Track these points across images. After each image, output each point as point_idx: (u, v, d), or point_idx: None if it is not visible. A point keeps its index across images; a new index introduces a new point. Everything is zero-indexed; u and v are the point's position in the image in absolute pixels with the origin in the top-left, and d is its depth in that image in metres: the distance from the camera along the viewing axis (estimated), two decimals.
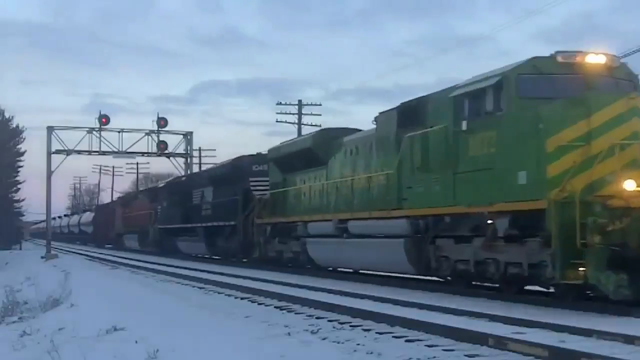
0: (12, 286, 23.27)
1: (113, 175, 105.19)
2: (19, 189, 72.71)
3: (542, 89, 13.89)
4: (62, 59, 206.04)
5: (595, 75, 13.97)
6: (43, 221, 73.28)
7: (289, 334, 10.81)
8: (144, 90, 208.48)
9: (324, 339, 10.36)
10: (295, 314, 13.56)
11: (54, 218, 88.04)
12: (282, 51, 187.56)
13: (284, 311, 14.02)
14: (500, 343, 9.16)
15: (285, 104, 52.56)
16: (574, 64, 14.00)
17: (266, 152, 28.81)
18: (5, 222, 67.16)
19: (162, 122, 49.61)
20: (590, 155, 12.68)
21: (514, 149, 13.61)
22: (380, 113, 19.35)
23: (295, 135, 45.83)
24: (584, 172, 12.63)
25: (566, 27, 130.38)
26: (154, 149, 50.25)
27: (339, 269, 23.03)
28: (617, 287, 11.79)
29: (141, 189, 74.02)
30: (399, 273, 18.77)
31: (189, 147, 51.46)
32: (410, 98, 18.10)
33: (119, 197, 74.26)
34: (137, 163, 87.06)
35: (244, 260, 30.55)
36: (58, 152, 49.61)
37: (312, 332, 10.95)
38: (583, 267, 12.09)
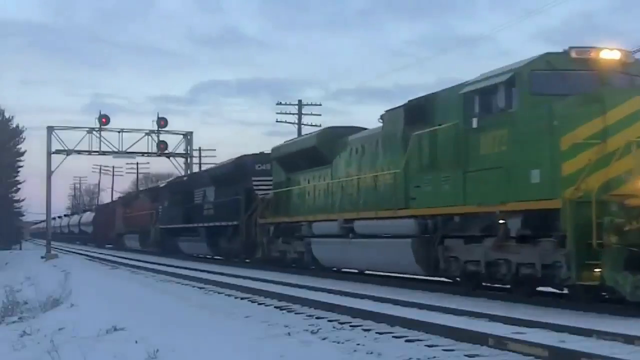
0: (12, 286, 23.12)
1: (113, 175, 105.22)
2: (19, 189, 72.54)
3: (555, 86, 13.55)
4: (62, 59, 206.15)
5: (609, 71, 13.64)
6: (43, 221, 73.14)
7: (289, 334, 10.77)
8: (144, 90, 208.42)
9: (324, 339, 10.32)
10: (295, 314, 13.51)
11: (54, 218, 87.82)
12: (282, 51, 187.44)
13: (284, 311, 13.96)
14: (500, 343, 9.11)
15: (285, 104, 52.69)
16: (588, 59, 13.66)
17: (269, 152, 28.50)
18: (5, 222, 66.93)
19: (162, 122, 49.53)
20: (606, 153, 12.36)
21: (527, 146, 13.28)
22: (387, 111, 19.02)
23: (295, 135, 45.79)
24: (600, 170, 12.32)
25: (566, 27, 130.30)
26: (154, 149, 50.17)
27: (343, 269, 22.69)
28: (634, 288, 11.51)
29: (141, 189, 73.75)
30: (406, 274, 18.44)
31: (189, 147, 51.39)
32: (412, 97, 17.84)
33: (119, 197, 74.01)
34: (137, 163, 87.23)
35: (247, 260, 30.23)
36: (58, 152, 49.58)
37: (312, 332, 10.90)
38: (599, 268, 11.80)
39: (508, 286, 14.84)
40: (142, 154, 51.48)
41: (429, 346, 9.37)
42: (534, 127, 13.19)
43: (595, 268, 11.83)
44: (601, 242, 11.66)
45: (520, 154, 13.43)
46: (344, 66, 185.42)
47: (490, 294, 15.00)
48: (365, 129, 22.02)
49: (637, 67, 14.12)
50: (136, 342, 10.37)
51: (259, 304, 15.49)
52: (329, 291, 16.94)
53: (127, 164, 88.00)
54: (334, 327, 11.40)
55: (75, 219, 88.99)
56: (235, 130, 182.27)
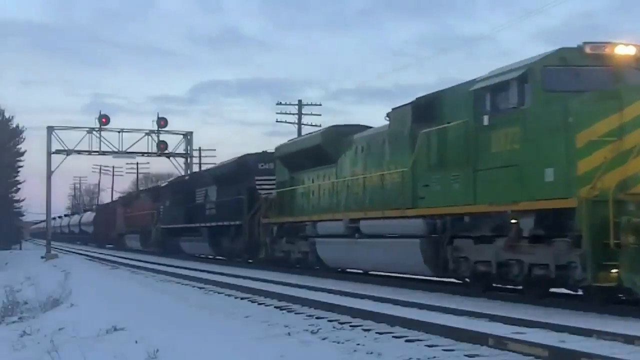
0: (12, 286, 23.10)
1: (113, 175, 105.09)
2: (19, 189, 72.44)
3: (569, 82, 13.22)
4: (62, 59, 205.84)
5: (625, 67, 13.30)
6: (43, 221, 73.08)
7: (289, 334, 10.73)
8: (144, 90, 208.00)
9: (324, 339, 10.29)
10: (295, 314, 13.46)
11: (54, 218, 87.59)
12: (282, 51, 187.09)
13: (284, 311, 13.91)
14: (500, 343, 9.07)
15: (285, 104, 52.77)
16: (602, 55, 13.32)
17: (272, 150, 28.20)
18: (5, 222, 66.81)
19: (162, 122, 49.46)
20: (623, 151, 12.06)
21: (541, 144, 12.95)
22: (394, 109, 18.69)
23: (295, 135, 45.80)
24: (616, 168, 12.02)
25: (566, 27, 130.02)
26: (154, 149, 50.06)
27: (348, 270, 22.35)
28: None
29: (141, 189, 73.49)
30: (414, 274, 18.10)
31: (189, 147, 51.29)
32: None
33: (120, 197, 73.76)
34: (137, 163, 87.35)
35: (250, 260, 29.90)
36: (58, 152, 49.50)
37: (312, 332, 10.85)
38: (616, 268, 11.47)
39: (520, 287, 14.52)
40: (142, 154, 51.41)
41: (429, 346, 9.33)
42: (548, 124, 12.85)
43: (612, 269, 11.52)
44: (618, 242, 11.35)
45: (533, 152, 13.10)
46: (344, 66, 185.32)
47: (491, 294, 14.87)
48: (370, 127, 21.70)
49: None
50: (136, 342, 10.34)
51: (259, 304, 15.42)
52: (329, 291, 16.85)
53: (127, 164, 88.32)
54: (334, 327, 11.35)
55: (75, 218, 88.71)
56: (235, 130, 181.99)
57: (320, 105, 54.05)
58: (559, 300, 13.28)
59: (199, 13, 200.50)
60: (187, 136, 51.32)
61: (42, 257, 47.59)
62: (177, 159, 51.30)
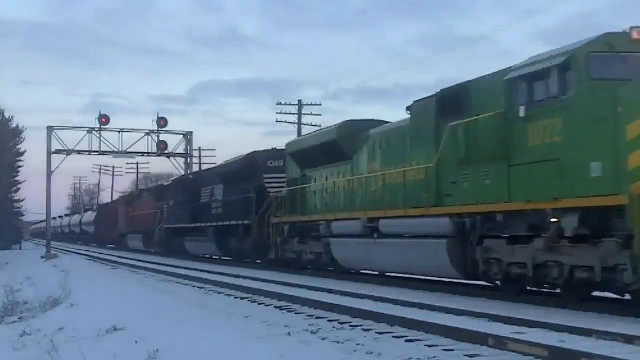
0: (12, 286, 23.12)
1: (113, 175, 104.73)
2: (19, 189, 72.55)
3: (616, 70, 12.24)
4: (62, 59, 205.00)
5: None
6: (43, 221, 72.76)
7: (289, 334, 10.71)
8: (144, 90, 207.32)
9: (324, 339, 10.28)
10: (295, 314, 13.47)
11: (54, 218, 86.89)
12: (282, 51, 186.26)
13: (284, 311, 13.93)
14: (500, 343, 9.04)
15: (285, 104, 52.81)
16: None
17: (281, 147, 27.23)
18: (5, 222, 66.55)
19: (162, 122, 49.64)
20: None
21: (586, 137, 11.95)
22: (415, 102, 17.69)
23: (295, 136, 45.78)
24: None
25: (566, 27, 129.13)
26: (154, 149, 49.96)
27: (365, 271, 21.36)
28: None
29: (141, 188, 72.71)
30: (439, 277, 17.09)
31: (189, 147, 51.29)
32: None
33: (122, 196, 72.91)
34: (137, 163, 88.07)
35: (258, 261, 28.89)
36: (58, 152, 49.47)
37: (312, 332, 10.83)
38: None
39: (557, 291, 13.51)
40: (142, 154, 51.33)
41: (429, 346, 9.33)
42: (595, 114, 11.84)
43: None
44: None
45: (577, 145, 12.10)
46: (343, 66, 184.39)
47: (489, 294, 14.66)
48: (387, 122, 20.72)
49: None
50: (136, 342, 10.34)
51: (259, 304, 15.41)
52: (329, 291, 16.74)
53: (127, 164, 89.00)
54: (334, 327, 11.34)
55: (76, 218, 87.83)
56: (235, 130, 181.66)
57: (320, 105, 54.53)
58: (560, 301, 12.95)
59: (198, 13, 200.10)
60: (187, 136, 51.27)
61: (42, 257, 47.55)
62: (177, 159, 51.20)
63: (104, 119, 48.39)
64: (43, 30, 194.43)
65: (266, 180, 28.08)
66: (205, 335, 10.69)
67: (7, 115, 69.31)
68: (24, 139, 70.98)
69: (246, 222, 28.60)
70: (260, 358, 8.92)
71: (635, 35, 12.35)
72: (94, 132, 48.69)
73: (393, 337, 10.20)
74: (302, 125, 51.79)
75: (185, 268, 29.00)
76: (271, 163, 28.36)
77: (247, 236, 28.83)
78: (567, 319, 10.74)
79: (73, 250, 63.43)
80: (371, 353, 8.94)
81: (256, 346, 9.64)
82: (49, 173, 49.62)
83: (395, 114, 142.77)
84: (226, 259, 33.62)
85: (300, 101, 52.87)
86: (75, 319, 13.21)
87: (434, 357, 8.64)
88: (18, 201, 73.32)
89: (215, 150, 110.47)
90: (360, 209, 19.60)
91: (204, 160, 68.54)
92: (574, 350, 8.12)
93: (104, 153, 50.30)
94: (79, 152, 49.92)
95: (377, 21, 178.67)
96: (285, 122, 52.53)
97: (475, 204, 14.69)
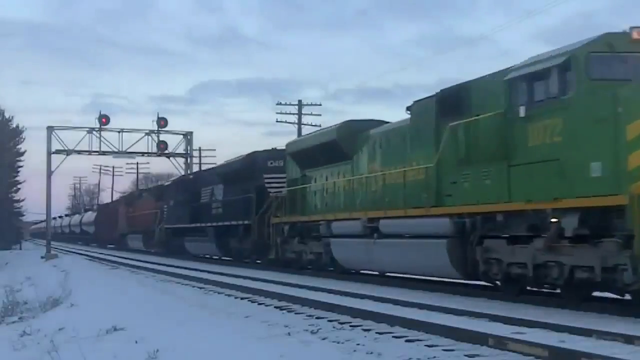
0: (12, 286, 23.11)
1: (113, 175, 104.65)
2: (19, 189, 72.53)
3: (616, 70, 12.23)
4: (62, 59, 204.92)
5: None
6: (43, 221, 72.71)
7: (289, 334, 10.69)
8: (144, 90, 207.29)
9: (324, 339, 10.27)
10: (295, 314, 13.46)
11: (54, 218, 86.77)
12: (282, 51, 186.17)
13: (284, 311, 13.92)
14: (500, 343, 9.03)
15: (285, 104, 52.91)
16: None
17: (281, 147, 27.21)
18: (5, 222, 66.44)
19: (162, 122, 49.64)
20: None
21: (586, 137, 11.94)
22: (415, 102, 17.69)
23: (295, 136, 45.85)
24: None
25: (566, 27, 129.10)
26: (154, 149, 49.94)
27: (365, 271, 21.35)
28: None
29: (141, 188, 72.62)
30: (439, 277, 17.08)
31: (189, 147, 51.27)
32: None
33: (122, 196, 72.83)
34: (137, 163, 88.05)
35: (258, 261, 28.88)
36: (58, 152, 49.46)
37: (312, 332, 10.82)
38: None
39: (557, 291, 13.51)
40: (142, 154, 51.31)
41: (429, 346, 9.32)
42: (595, 114, 11.84)
43: None
44: None
45: (577, 145, 12.10)
46: (343, 66, 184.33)
47: (489, 294, 14.64)
48: (387, 122, 20.72)
49: None
50: (136, 342, 10.31)
51: (259, 304, 15.38)
52: (329, 291, 16.71)
53: (127, 164, 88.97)
54: (334, 327, 11.32)
55: (76, 218, 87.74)
56: (235, 130, 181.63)
57: (320, 105, 54.70)
58: (560, 301, 12.94)
59: (198, 13, 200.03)
60: (187, 136, 51.25)
61: (42, 257, 47.48)
62: (177, 159, 51.18)
63: (104, 119, 48.38)
64: (43, 30, 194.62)
65: (266, 180, 28.06)
66: (205, 335, 10.67)
67: (7, 115, 69.62)
68: (24, 139, 71.26)
69: (246, 222, 28.58)
70: (260, 358, 8.90)
71: (635, 35, 12.34)
72: (94, 132, 48.69)
73: (393, 337, 10.18)
74: (302, 125, 51.93)
75: (185, 268, 28.98)
76: (271, 163, 28.33)
77: (247, 236, 28.81)
78: (567, 319, 10.72)
79: (73, 250, 63.31)
80: (371, 353, 8.92)
81: (256, 346, 9.62)
82: (49, 173, 49.58)
83: (395, 114, 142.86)
84: (226, 259, 33.61)
85: (300, 101, 53.01)
86: (75, 319, 13.18)
87: (434, 357, 8.63)
88: (18, 201, 73.30)
89: (215, 150, 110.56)
90: (360, 209, 19.59)
91: (204, 160, 68.69)
92: (574, 350, 8.11)
93: (104, 153, 50.27)
94: (79, 152, 49.90)
95: (377, 21, 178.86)
96: (285, 122, 52.69)
97: (475, 204, 14.68)
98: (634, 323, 10.45)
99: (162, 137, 49.76)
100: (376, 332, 10.58)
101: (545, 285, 13.64)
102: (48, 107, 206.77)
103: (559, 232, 12.53)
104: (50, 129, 49.33)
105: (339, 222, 20.62)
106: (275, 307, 14.66)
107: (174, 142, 50.57)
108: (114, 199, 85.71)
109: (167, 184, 48.04)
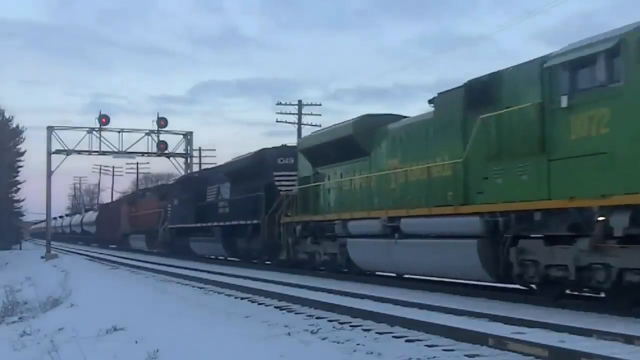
0: (12, 286, 23.04)
1: (113, 175, 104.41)
2: (19, 189, 72.33)
3: None
4: (62, 59, 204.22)
5: None
6: (43, 221, 72.26)
7: (289, 334, 10.69)
8: (144, 90, 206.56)
9: (324, 339, 10.26)
10: (295, 314, 13.46)
11: (55, 218, 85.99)
12: (282, 51, 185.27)
13: (284, 311, 13.93)
14: (500, 343, 9.01)
15: (285, 104, 52.91)
16: None
17: (292, 144, 26.24)
18: (5, 222, 66.10)
19: (162, 122, 49.68)
20: None
21: (637, 128, 10.96)
22: (439, 94, 16.71)
23: (295, 136, 46.32)
24: None
25: (566, 27, 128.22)
26: (154, 149, 49.86)
27: (383, 273, 20.36)
28: None
29: (141, 188, 71.84)
30: (468, 279, 16.09)
31: (189, 147, 51.16)
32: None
33: (125, 196, 71.98)
34: (137, 163, 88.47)
35: (268, 262, 27.86)
36: (58, 152, 49.38)
37: (312, 332, 10.80)
38: None
39: (601, 295, 12.54)
40: (142, 154, 51.32)
41: (429, 346, 9.31)
42: None
43: None
44: None
45: (628, 136, 11.13)
46: (343, 66, 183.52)
47: (489, 294, 14.46)
48: (405, 117, 19.74)
49: None
50: (136, 342, 10.31)
51: (259, 304, 15.41)
52: (329, 291, 16.68)
53: (127, 164, 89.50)
54: (334, 327, 11.34)
55: (77, 218, 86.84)
56: (235, 130, 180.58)
57: (320, 105, 55.15)
58: (559, 301, 12.78)
59: (199, 13, 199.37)
60: (187, 136, 51.14)
61: (42, 257, 47.28)
62: (177, 159, 51.23)
63: (104, 119, 48.25)
64: (43, 30, 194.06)
65: (276, 178, 27.05)
66: (205, 335, 10.64)
67: (7, 115, 69.46)
68: (24, 139, 71.14)
69: (255, 221, 27.53)
70: (260, 358, 8.88)
71: None
72: (94, 132, 48.61)
73: (393, 337, 10.16)
74: (302, 125, 51.70)
75: (186, 268, 28.62)
76: (281, 160, 27.31)
77: (256, 236, 27.76)
78: (567, 319, 10.65)
79: (73, 250, 62.82)
80: (371, 353, 8.90)
81: (256, 346, 9.59)
82: (49, 173, 49.42)
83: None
84: (233, 259, 32.61)
85: (300, 101, 52.88)
86: (75, 319, 13.11)
87: (434, 357, 8.59)
88: (18, 201, 73.07)
89: (215, 150, 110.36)
90: (379, 208, 18.60)
91: (204, 160, 68.43)
92: (574, 350, 8.05)
93: (104, 153, 50.13)
94: (79, 152, 49.77)
95: (377, 21, 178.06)
96: (285, 122, 52.59)
97: (510, 201, 13.67)
98: (634, 323, 10.36)
99: (162, 137, 49.66)
100: (376, 332, 10.56)
101: (586, 290, 12.68)
102: (48, 107, 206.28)
103: (606, 232, 11.55)
104: (50, 129, 49.34)
105: (356, 222, 19.62)
106: (275, 307, 14.61)
107: (174, 142, 50.65)
108: (114, 198, 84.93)
109: (170, 182, 47.13)
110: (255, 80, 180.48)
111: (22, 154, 70.43)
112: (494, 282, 14.85)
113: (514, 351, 8.66)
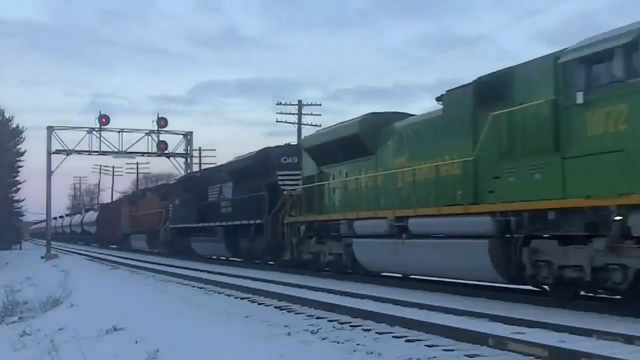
0: (12, 286, 23.03)
1: (113, 175, 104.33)
2: (19, 189, 72.36)
3: None
4: (62, 59, 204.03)
5: None
6: (43, 221, 72.11)
7: (289, 334, 10.69)
8: (144, 90, 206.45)
9: (324, 339, 10.26)
10: (295, 314, 13.46)
11: (55, 218, 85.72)
12: (282, 51, 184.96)
13: (284, 311, 13.93)
14: (500, 343, 9.00)
15: (285, 104, 53.00)
16: None
17: (294, 143, 25.89)
18: (5, 222, 65.97)
19: (162, 122, 49.68)
20: None
21: None
22: (448, 91, 16.38)
23: (295, 136, 46.59)
24: None
25: (566, 27, 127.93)
26: (154, 149, 50.08)
27: (390, 274, 20.04)
28: None
29: (141, 188, 71.60)
30: (479, 281, 15.75)
31: (189, 147, 51.12)
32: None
33: (125, 195, 71.71)
34: (137, 163, 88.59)
35: (271, 262, 27.54)
36: (58, 152, 49.37)
37: (312, 332, 10.80)
38: None
39: (617, 297, 12.22)
40: (142, 154, 51.32)
41: (429, 346, 9.31)
42: None
43: None
44: None
45: None
46: (343, 66, 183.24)
47: (489, 294, 14.44)
48: (412, 115, 19.43)
49: None
50: (136, 342, 10.31)
51: (259, 304, 15.43)
52: (329, 291, 16.68)
53: (127, 164, 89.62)
54: (334, 327, 11.35)
55: (77, 218, 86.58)
56: (235, 130, 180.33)
57: (320, 105, 55.59)
58: (559, 301, 12.73)
59: (199, 13, 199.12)
60: (187, 136, 51.10)
61: (42, 257, 47.17)
62: (177, 159, 51.33)
63: (104, 119, 48.26)
64: (43, 30, 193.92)
65: (279, 178, 26.71)
66: (205, 335, 10.64)
67: (7, 115, 69.45)
68: (24, 139, 71.19)
69: (258, 221, 27.19)
70: (260, 358, 8.87)
71: None
72: (94, 132, 48.77)
73: (393, 337, 10.16)
74: (302, 125, 51.65)
75: (186, 268, 28.50)
76: (284, 159, 26.98)
77: (259, 236, 27.43)
78: (567, 319, 10.63)
79: (73, 250, 62.65)
80: (371, 353, 8.89)
81: (256, 346, 9.58)
82: (49, 173, 49.34)
83: None
84: (235, 259, 32.30)
85: (300, 101, 52.86)
86: (75, 319, 13.10)
87: (434, 357, 8.58)
88: (18, 201, 73.04)
89: (215, 150, 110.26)
90: (385, 207, 18.28)
91: (204, 160, 68.33)
92: (574, 350, 8.04)
93: (104, 153, 50.17)
94: (79, 152, 49.72)
95: (377, 21, 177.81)
96: (285, 122, 52.58)
97: (523, 200, 13.34)
98: (634, 323, 10.32)
99: (162, 137, 49.64)
100: (376, 332, 10.56)
101: (600, 291, 12.37)
102: (48, 107, 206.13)
103: (624, 232, 11.24)
104: (50, 129, 49.30)
105: (362, 221, 19.30)
106: (275, 307, 14.62)
107: (174, 142, 50.73)
108: (114, 198, 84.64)
109: (172, 182, 46.82)
110: (255, 80, 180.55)
111: (22, 154, 70.56)
112: (505, 284, 14.54)
113: (514, 351, 8.65)
